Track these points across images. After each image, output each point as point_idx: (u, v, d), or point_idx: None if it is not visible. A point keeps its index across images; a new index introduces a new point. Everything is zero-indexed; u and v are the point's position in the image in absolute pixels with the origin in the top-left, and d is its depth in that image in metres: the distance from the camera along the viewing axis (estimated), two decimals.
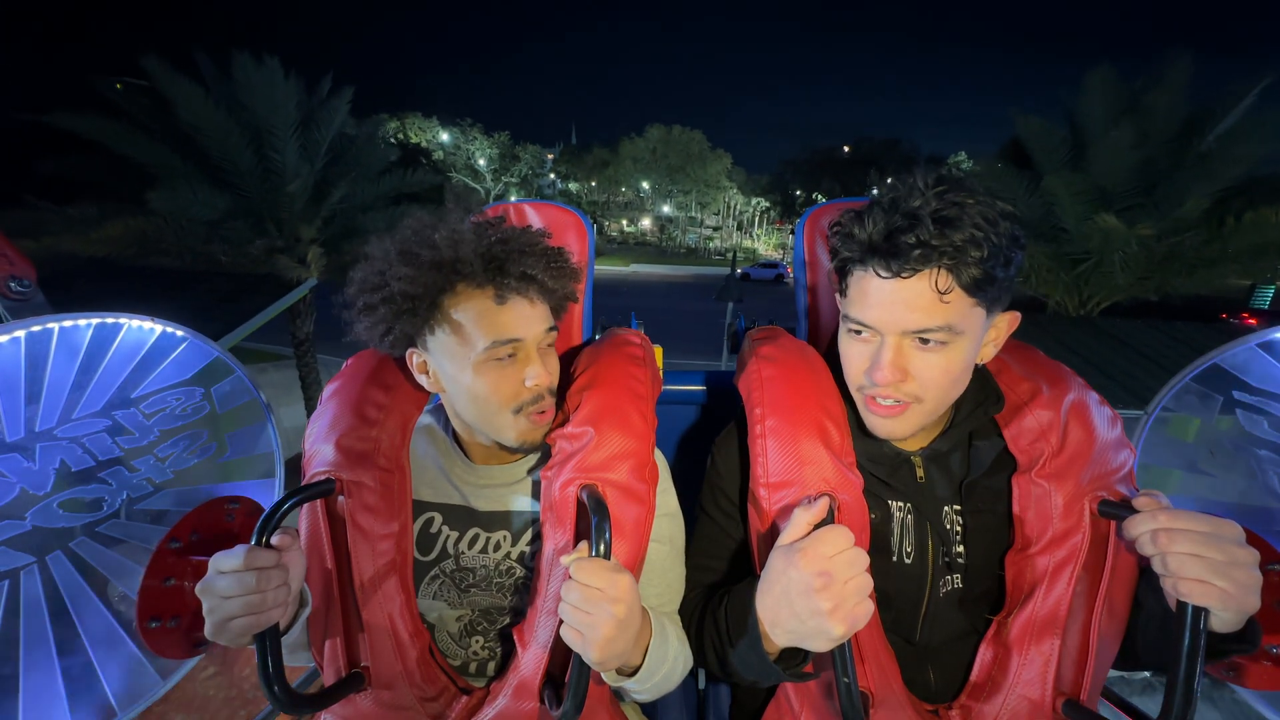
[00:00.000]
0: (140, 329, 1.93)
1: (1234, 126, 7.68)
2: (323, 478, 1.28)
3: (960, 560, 1.26)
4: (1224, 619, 0.94)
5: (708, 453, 1.51)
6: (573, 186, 78.86)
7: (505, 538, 1.39)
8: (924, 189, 1.10)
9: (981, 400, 1.29)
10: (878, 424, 1.24)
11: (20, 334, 1.67)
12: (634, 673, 1.18)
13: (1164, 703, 0.95)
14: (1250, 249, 7.63)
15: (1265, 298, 20.56)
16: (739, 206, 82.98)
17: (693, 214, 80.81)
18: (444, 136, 67.87)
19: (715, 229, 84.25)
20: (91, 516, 1.78)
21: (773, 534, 1.19)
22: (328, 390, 1.47)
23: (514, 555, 1.38)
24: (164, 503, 1.94)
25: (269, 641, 1.08)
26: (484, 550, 1.39)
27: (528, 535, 1.39)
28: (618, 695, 1.42)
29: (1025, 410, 1.27)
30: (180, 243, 7.45)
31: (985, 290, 1.10)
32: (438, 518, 1.42)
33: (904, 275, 1.09)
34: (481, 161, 68.96)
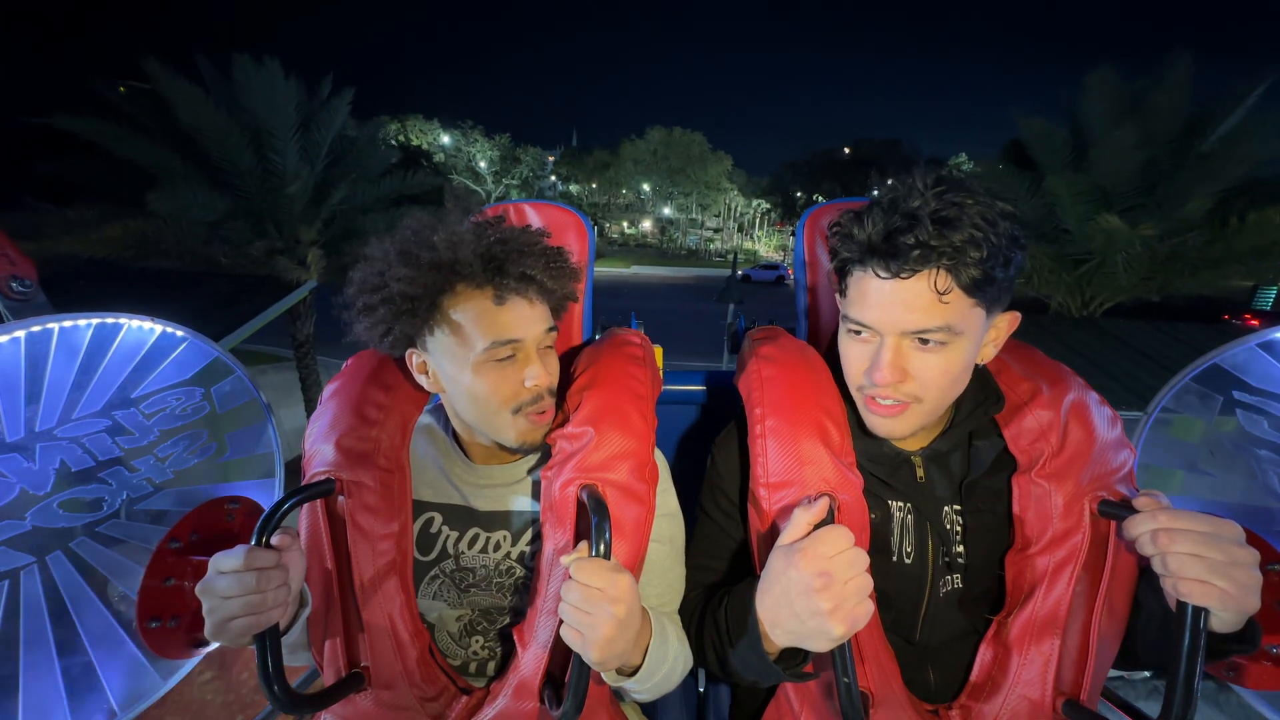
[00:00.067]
0: (140, 329, 1.92)
1: (1236, 126, 7.64)
2: (323, 478, 1.28)
3: (960, 560, 1.26)
4: (1224, 619, 0.94)
5: (708, 453, 1.51)
6: (573, 188, 78.92)
7: (505, 538, 1.39)
8: (923, 189, 1.10)
9: (981, 400, 1.29)
10: (877, 424, 1.24)
11: (20, 334, 1.67)
12: (634, 673, 1.18)
13: (1164, 703, 0.95)
14: (1254, 249, 7.59)
15: (1267, 299, 20.53)
16: (739, 208, 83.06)
17: (693, 216, 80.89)
18: (445, 139, 67.92)
19: (716, 231, 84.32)
20: (91, 516, 1.78)
21: (773, 534, 1.19)
22: (328, 390, 1.47)
23: (514, 555, 1.38)
24: (164, 503, 1.94)
25: (269, 641, 1.08)
26: (484, 550, 1.39)
27: (528, 535, 1.39)
28: (618, 695, 1.42)
29: (1025, 410, 1.27)
30: (180, 244, 7.43)
31: (985, 291, 1.10)
32: (438, 518, 1.42)
33: (903, 276, 1.09)
34: (482, 164, 69.01)
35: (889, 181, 1.19)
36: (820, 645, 1.00)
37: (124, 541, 1.84)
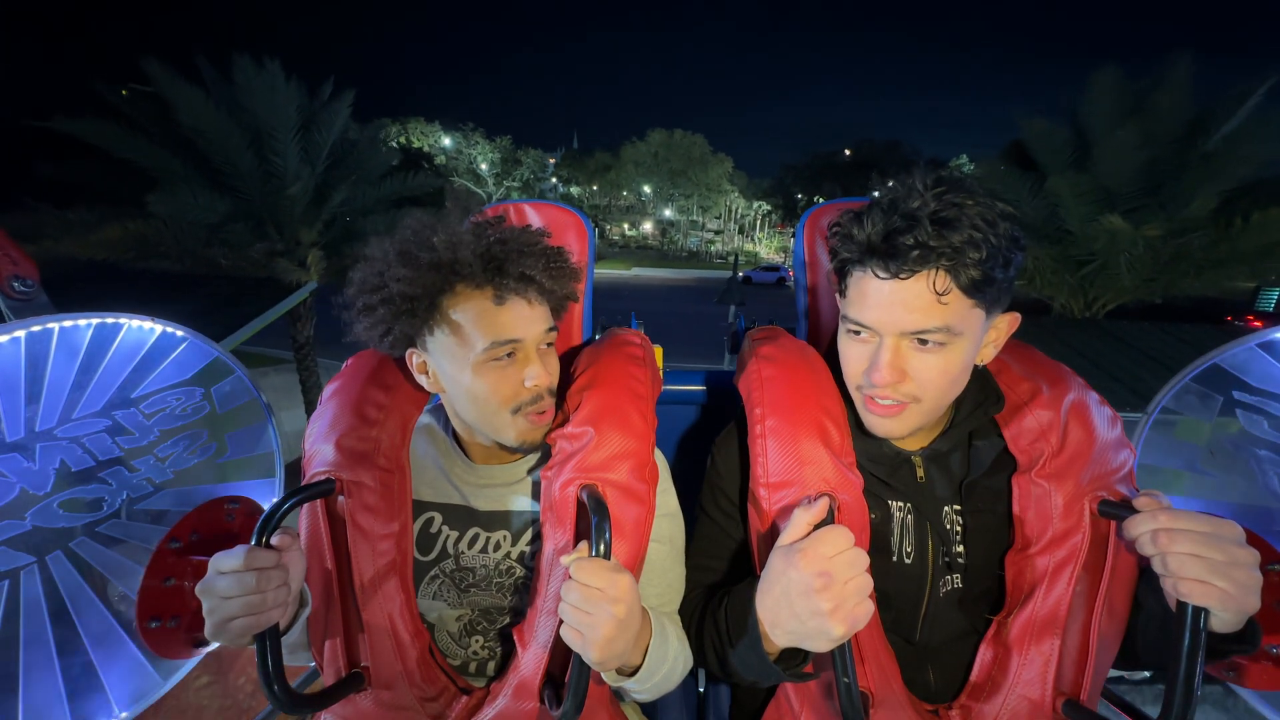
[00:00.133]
0: (140, 329, 1.93)
1: (1240, 126, 7.64)
2: (323, 478, 1.28)
3: (960, 560, 1.26)
4: (1224, 619, 0.94)
5: (708, 453, 1.51)
6: (574, 190, 79.05)
7: (505, 537, 1.39)
8: (923, 190, 1.10)
9: (981, 400, 1.29)
10: (876, 424, 1.24)
11: (20, 334, 1.67)
12: (634, 673, 1.18)
13: (1164, 703, 0.95)
14: (1258, 250, 7.58)
15: (1270, 300, 20.53)
16: (740, 210, 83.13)
17: (694, 218, 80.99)
18: (446, 141, 67.99)
19: (717, 232, 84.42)
20: (91, 516, 1.78)
21: (773, 534, 1.19)
22: (328, 390, 1.47)
23: (514, 555, 1.38)
24: (164, 503, 1.94)
25: (269, 641, 1.08)
26: (484, 550, 1.39)
27: (528, 535, 1.39)
28: (618, 695, 1.42)
29: (1025, 410, 1.27)
30: (180, 246, 7.44)
31: (984, 291, 1.10)
32: (438, 517, 1.42)
33: (902, 276, 1.09)
34: (483, 166, 69.09)
35: (889, 183, 1.19)
36: (820, 645, 1.00)
37: (124, 541, 1.84)
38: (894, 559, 1.28)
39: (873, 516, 1.26)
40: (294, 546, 1.12)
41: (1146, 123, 7.56)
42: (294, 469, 1.47)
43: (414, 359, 1.34)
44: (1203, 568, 0.91)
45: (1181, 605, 0.93)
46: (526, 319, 1.28)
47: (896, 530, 1.29)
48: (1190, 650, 0.92)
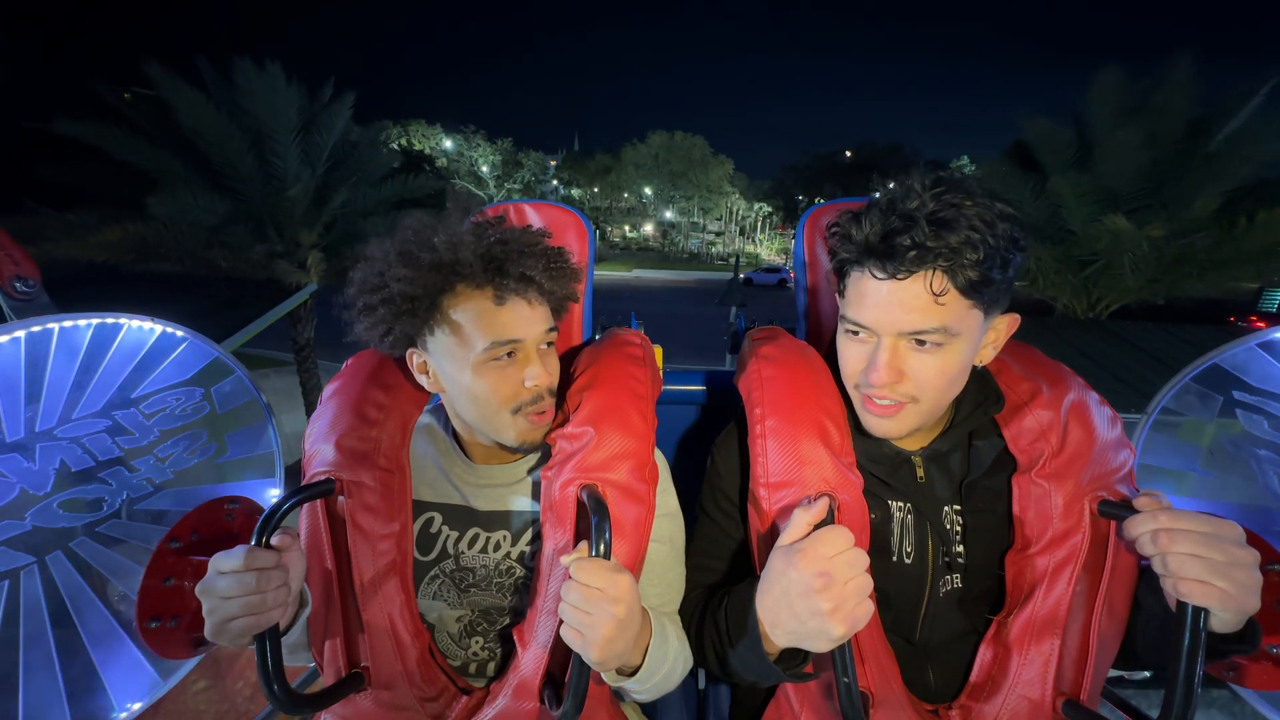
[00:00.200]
0: (140, 329, 1.93)
1: (1243, 126, 7.62)
2: (323, 478, 1.28)
3: (960, 560, 1.26)
4: (1224, 619, 0.94)
5: (708, 453, 1.51)
6: (575, 193, 79.08)
7: (505, 537, 1.39)
8: (921, 190, 1.10)
9: (981, 400, 1.29)
10: (874, 423, 1.24)
11: (20, 334, 1.67)
12: (634, 673, 1.18)
13: (1164, 703, 0.94)
14: (1263, 250, 7.56)
15: (1273, 301, 20.50)
16: (741, 212, 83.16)
17: (695, 219, 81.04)
18: (447, 143, 68.04)
19: (718, 234, 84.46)
20: (91, 516, 1.78)
21: (773, 534, 1.19)
22: (328, 390, 1.47)
23: (514, 555, 1.38)
24: (164, 503, 1.94)
25: (269, 642, 1.08)
26: (484, 550, 1.39)
27: (528, 535, 1.39)
28: (618, 695, 1.41)
29: (1025, 410, 1.27)
30: (180, 248, 7.43)
31: (982, 292, 1.10)
32: (438, 517, 1.42)
33: (899, 277, 1.09)
34: (484, 168, 69.14)
35: (889, 185, 1.19)
36: (820, 645, 1.00)
37: (124, 541, 1.84)
38: (894, 559, 1.28)
39: (873, 516, 1.26)
40: (294, 546, 1.12)
41: (1149, 122, 7.55)
42: (294, 470, 1.47)
43: (414, 359, 1.34)
44: (1203, 568, 0.91)
45: (1181, 605, 0.93)
46: (527, 319, 1.28)
47: (896, 530, 1.29)
48: (1190, 650, 0.92)
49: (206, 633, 1.05)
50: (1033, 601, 1.15)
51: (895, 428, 1.22)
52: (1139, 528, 0.99)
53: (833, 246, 1.22)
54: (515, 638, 1.25)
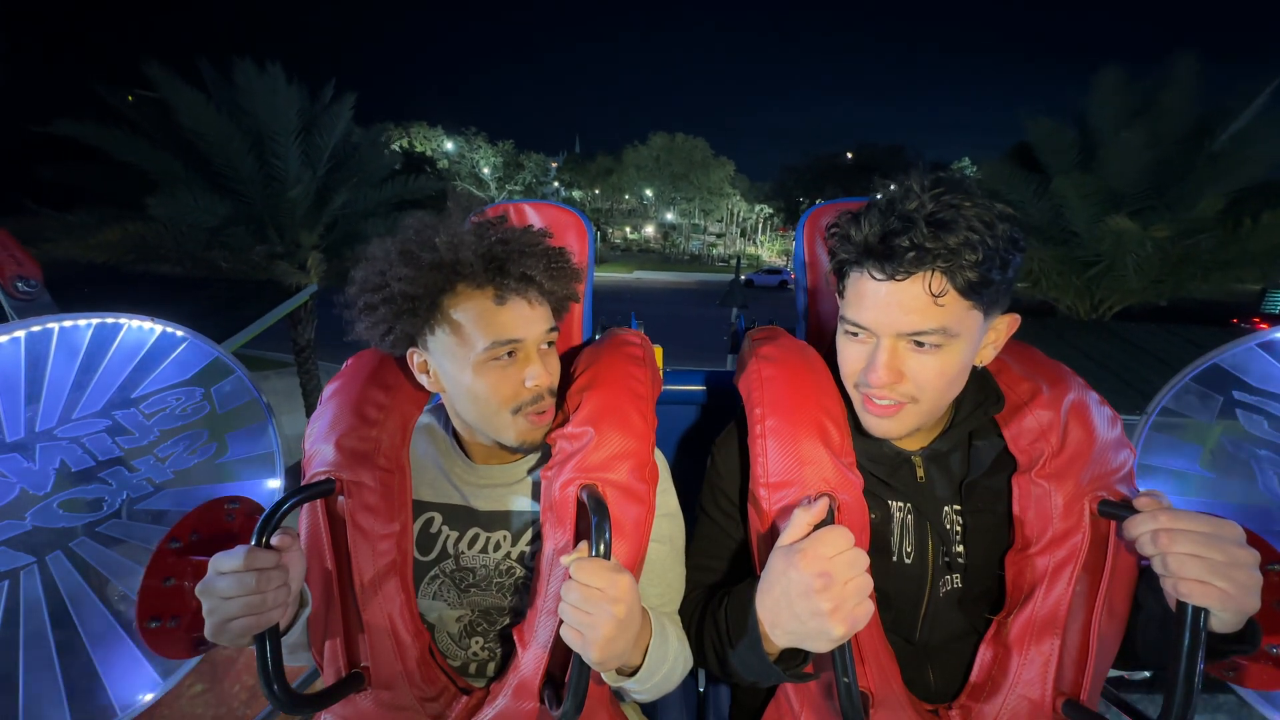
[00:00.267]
0: (140, 329, 1.93)
1: (1247, 127, 7.60)
2: (323, 478, 1.28)
3: (960, 560, 1.26)
4: (1224, 619, 0.94)
5: (708, 453, 1.51)
6: (576, 194, 79.17)
7: (505, 538, 1.39)
8: (919, 191, 1.10)
9: (981, 400, 1.29)
10: (874, 424, 1.24)
11: (20, 334, 1.67)
12: (634, 673, 1.18)
13: (1164, 703, 0.94)
14: (1268, 251, 7.55)
15: (1277, 302, 20.47)
16: (742, 213, 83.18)
17: (696, 221, 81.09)
18: (449, 145, 68.11)
19: (719, 236, 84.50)
20: (92, 516, 1.78)
21: (773, 534, 1.19)
22: (328, 390, 1.47)
23: (514, 555, 1.38)
24: (164, 503, 1.95)
25: (269, 642, 1.08)
26: (484, 550, 1.38)
27: (528, 535, 1.39)
28: (618, 695, 1.41)
29: (1025, 410, 1.27)
30: (180, 249, 7.45)
31: (981, 293, 1.09)
32: (438, 518, 1.42)
33: (898, 278, 1.09)
34: (486, 170, 69.23)
35: (890, 186, 1.19)
36: (820, 646, 1.00)
37: (124, 541, 1.84)
38: (894, 559, 1.27)
39: (873, 516, 1.26)
40: (294, 547, 1.12)
41: (1152, 123, 7.53)
42: (294, 471, 1.47)
43: (415, 358, 1.34)
44: (1203, 568, 0.91)
45: (1181, 605, 0.93)
46: (527, 319, 1.28)
47: (896, 530, 1.28)
48: (1190, 650, 0.92)
49: (206, 633, 1.05)
50: (1033, 601, 1.15)
51: (895, 428, 1.22)
52: (1139, 528, 0.99)
53: (832, 247, 1.22)
54: (515, 638, 1.25)
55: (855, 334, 1.20)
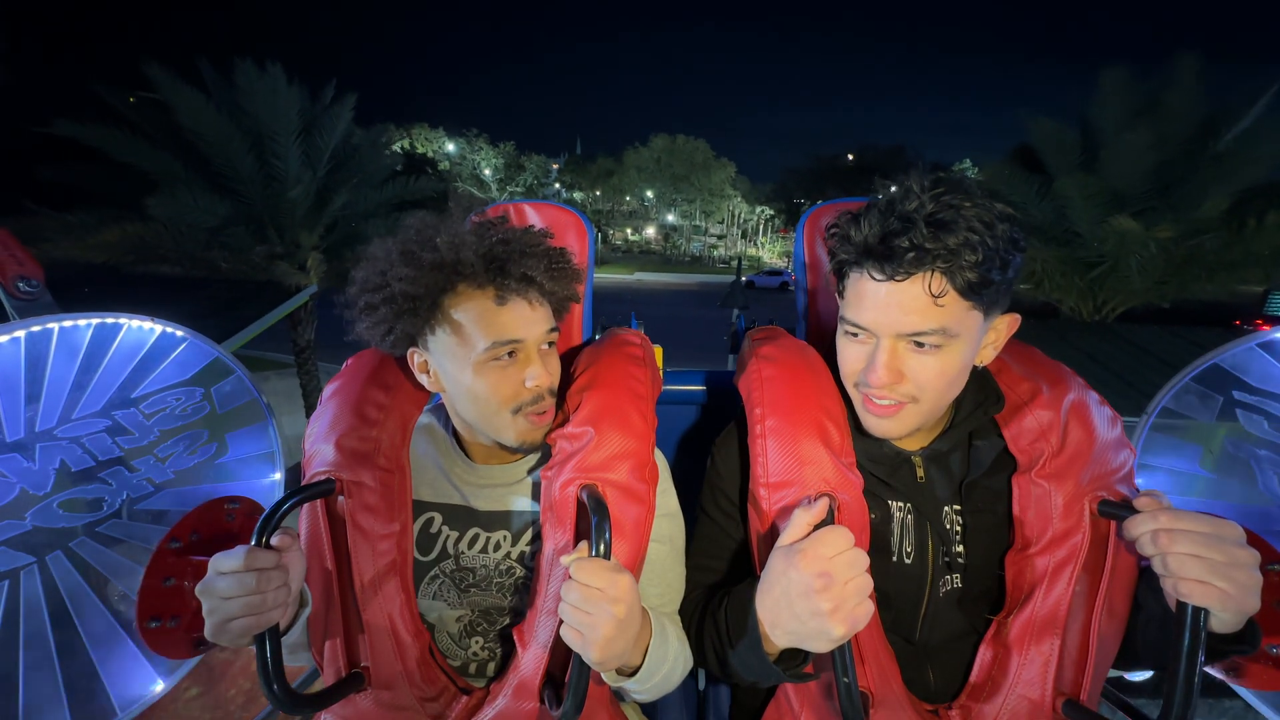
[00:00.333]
0: (140, 329, 1.93)
1: (1252, 127, 7.57)
2: (323, 478, 1.28)
3: (960, 560, 1.26)
4: (1224, 620, 0.94)
5: (708, 453, 1.51)
6: (578, 196, 79.23)
7: (505, 538, 1.39)
8: (919, 191, 1.10)
9: (981, 400, 1.29)
10: (874, 424, 1.24)
11: (20, 334, 1.67)
12: (634, 673, 1.18)
13: (1164, 703, 0.94)
14: (1273, 251, 7.51)
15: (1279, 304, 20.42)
16: (743, 215, 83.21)
17: (697, 222, 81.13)
18: (450, 147, 68.17)
19: (719, 237, 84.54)
20: (92, 516, 1.79)
21: (773, 534, 1.19)
22: (328, 390, 1.47)
23: (514, 555, 1.38)
24: (164, 503, 1.95)
25: (269, 642, 1.08)
26: (484, 550, 1.38)
27: (528, 535, 1.39)
28: (618, 695, 1.41)
29: (1025, 410, 1.27)
30: (179, 249, 7.45)
31: (981, 294, 1.09)
32: (438, 518, 1.42)
33: (898, 278, 1.09)
34: (487, 171, 69.34)
35: (890, 187, 1.19)
36: (820, 646, 0.99)
37: (124, 541, 1.84)
38: (894, 559, 1.27)
39: (873, 516, 1.26)
40: (294, 547, 1.12)
41: (1156, 123, 7.49)
42: (294, 472, 1.47)
43: (415, 358, 1.34)
44: (1203, 568, 0.91)
45: (1181, 605, 0.93)
46: (528, 319, 1.29)
47: (896, 530, 1.28)
48: (1190, 650, 0.92)
49: (206, 633, 1.05)
50: (1033, 601, 1.15)
51: (895, 428, 1.22)
52: (1139, 528, 0.99)
53: (832, 248, 1.22)
54: (515, 638, 1.24)
55: (855, 334, 1.20)
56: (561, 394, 1.39)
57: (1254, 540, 1.08)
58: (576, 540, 1.23)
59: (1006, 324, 1.23)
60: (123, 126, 7.33)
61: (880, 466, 1.30)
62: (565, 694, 1.09)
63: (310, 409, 9.24)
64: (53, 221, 7.25)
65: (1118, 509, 1.07)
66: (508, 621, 1.36)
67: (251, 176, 7.60)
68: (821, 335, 1.68)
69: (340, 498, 1.28)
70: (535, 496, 1.39)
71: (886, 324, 1.13)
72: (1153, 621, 1.13)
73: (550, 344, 1.35)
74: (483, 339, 1.24)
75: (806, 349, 1.43)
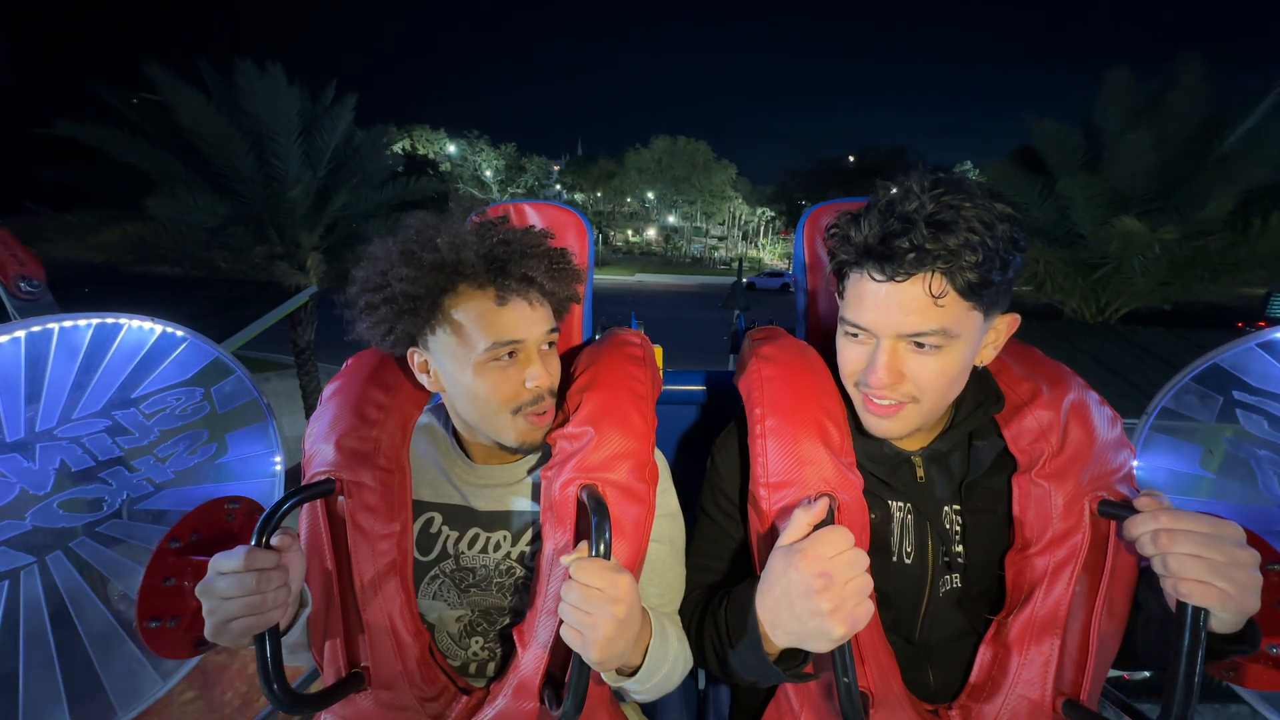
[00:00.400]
0: (140, 329, 1.93)
1: (1256, 128, 7.53)
2: (323, 478, 1.28)
3: (960, 560, 1.26)
4: (1224, 620, 0.94)
5: (708, 453, 1.51)
6: (579, 197, 79.30)
7: (505, 538, 1.39)
8: (919, 192, 1.10)
9: (981, 400, 1.29)
10: (874, 424, 1.24)
11: (20, 334, 1.67)
12: (634, 673, 1.18)
13: (1164, 703, 0.94)
14: (1278, 252, 7.51)
15: None
16: (744, 216, 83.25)
17: (698, 224, 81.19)
18: (451, 148, 68.23)
19: (720, 239, 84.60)
20: (92, 516, 1.79)
21: (773, 534, 1.19)
22: (328, 390, 1.47)
23: (514, 555, 1.38)
24: (164, 503, 1.95)
25: (269, 642, 1.08)
26: (484, 550, 1.38)
27: (528, 535, 1.39)
28: (618, 695, 1.41)
29: (1025, 410, 1.27)
30: (179, 249, 7.44)
31: (981, 294, 1.09)
32: (438, 518, 1.42)
33: (898, 279, 1.09)
34: (488, 173, 69.43)
35: (890, 187, 1.18)
36: (820, 646, 0.99)
37: (124, 541, 1.84)
38: (894, 559, 1.27)
39: (873, 516, 1.26)
40: (294, 547, 1.12)
41: (1159, 124, 7.45)
42: (294, 472, 1.47)
43: (415, 358, 1.34)
44: (1203, 568, 0.91)
45: (1181, 605, 0.93)
46: (528, 320, 1.29)
47: (896, 530, 1.28)
48: (1190, 650, 0.92)
49: (206, 633, 1.05)
50: (1032, 602, 1.15)
51: (895, 428, 1.22)
52: (1139, 528, 0.99)
53: (831, 248, 1.22)
54: (515, 638, 1.24)
55: (855, 335, 1.20)
56: (561, 394, 1.39)
57: (1254, 540, 1.08)
58: (576, 540, 1.23)
59: (1006, 324, 1.23)
60: (123, 126, 7.32)
61: (880, 466, 1.30)
62: (565, 694, 1.09)
63: (310, 409, 9.24)
64: (53, 221, 7.24)
65: (1118, 509, 1.07)
66: (508, 621, 1.36)
67: (251, 176, 7.59)
68: (821, 335, 1.68)
69: (340, 498, 1.28)
70: (535, 496, 1.39)
71: (887, 324, 1.13)
72: (1153, 622, 1.13)
73: (550, 344, 1.35)
74: (483, 339, 1.24)
75: (806, 349, 1.43)
